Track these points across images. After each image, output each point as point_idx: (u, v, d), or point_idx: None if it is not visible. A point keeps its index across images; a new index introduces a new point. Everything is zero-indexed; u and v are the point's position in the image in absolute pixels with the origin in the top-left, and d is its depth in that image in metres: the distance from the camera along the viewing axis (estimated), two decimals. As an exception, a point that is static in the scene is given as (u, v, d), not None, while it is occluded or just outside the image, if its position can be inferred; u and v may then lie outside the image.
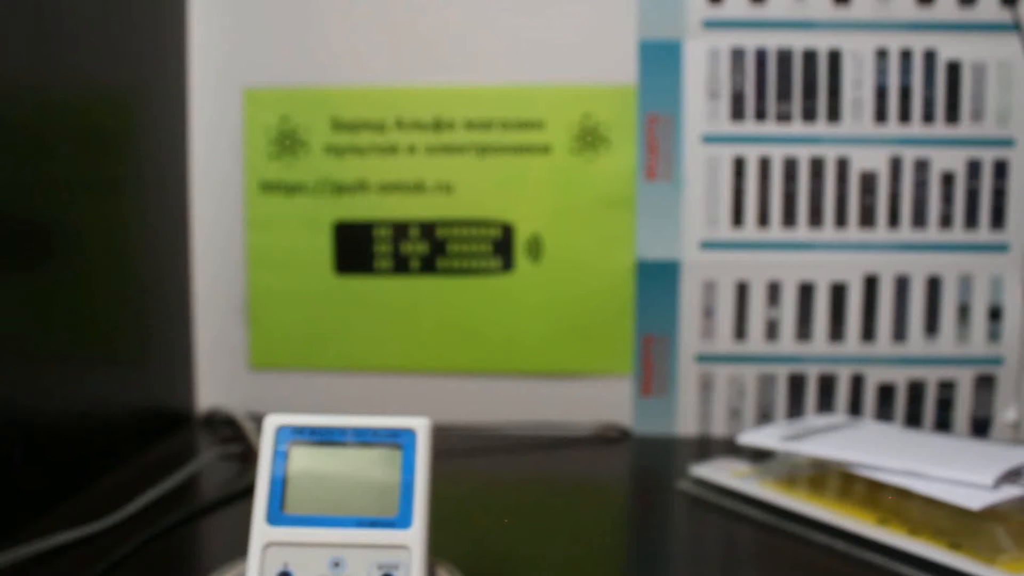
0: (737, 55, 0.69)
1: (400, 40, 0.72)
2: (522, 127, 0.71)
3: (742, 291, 0.71)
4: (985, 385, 0.70)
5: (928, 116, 0.69)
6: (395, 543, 0.37)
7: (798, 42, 0.69)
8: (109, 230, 0.61)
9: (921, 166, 0.69)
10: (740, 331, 0.71)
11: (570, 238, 0.72)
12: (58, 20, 0.54)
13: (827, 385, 0.71)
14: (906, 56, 0.69)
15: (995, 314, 0.70)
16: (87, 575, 0.44)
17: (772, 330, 0.71)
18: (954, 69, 0.68)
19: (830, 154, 0.70)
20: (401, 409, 0.72)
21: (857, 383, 0.71)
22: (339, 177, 0.72)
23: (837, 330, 0.71)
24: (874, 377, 0.71)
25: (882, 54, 0.69)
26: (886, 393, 0.71)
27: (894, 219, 0.70)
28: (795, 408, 0.71)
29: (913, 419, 0.71)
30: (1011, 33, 0.68)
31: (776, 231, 0.70)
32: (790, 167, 0.70)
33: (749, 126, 0.70)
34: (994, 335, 0.70)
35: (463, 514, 0.53)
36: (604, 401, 0.73)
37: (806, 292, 0.71)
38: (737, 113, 0.70)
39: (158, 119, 0.69)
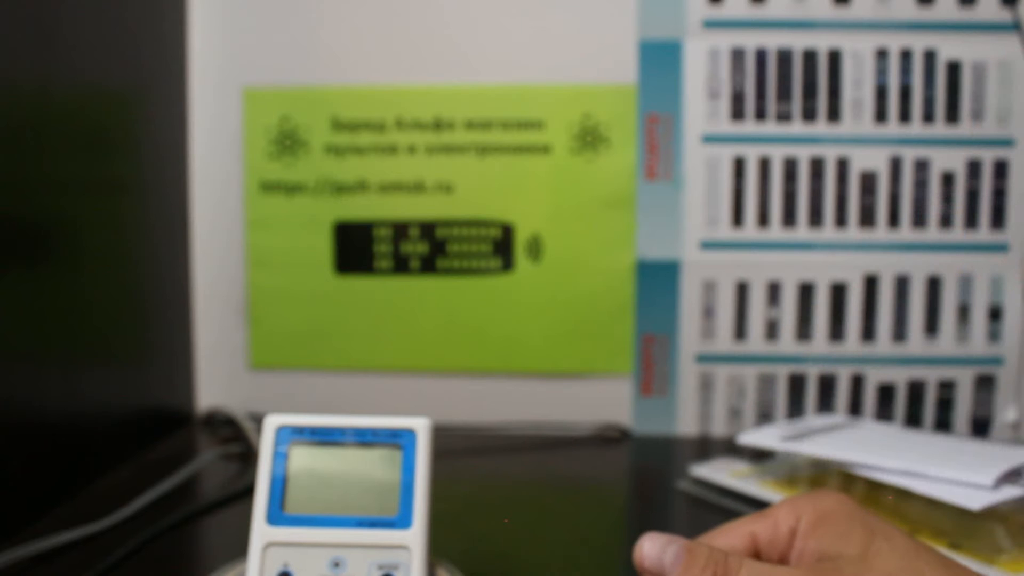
0: (737, 55, 0.69)
1: (400, 40, 0.72)
2: (522, 127, 0.71)
3: (742, 291, 0.71)
4: (985, 385, 0.70)
5: (928, 116, 0.69)
6: (395, 543, 0.37)
7: (798, 42, 0.69)
8: (109, 230, 0.61)
9: (921, 166, 0.69)
10: (740, 331, 0.71)
11: (570, 238, 0.72)
12: (58, 20, 0.54)
13: (827, 385, 0.71)
14: (906, 56, 0.69)
15: (995, 314, 0.70)
16: (87, 575, 0.44)
17: (772, 330, 0.71)
18: (954, 69, 0.68)
19: (830, 154, 0.70)
20: (401, 409, 0.72)
21: (857, 383, 0.71)
22: (339, 177, 0.72)
23: (837, 330, 0.71)
24: (874, 377, 0.71)
25: (882, 54, 0.69)
26: (886, 393, 0.71)
27: (894, 219, 0.70)
28: (795, 408, 0.71)
29: (913, 419, 0.71)
30: (1011, 33, 0.68)
31: (776, 231, 0.70)
32: (790, 167, 0.70)
33: (749, 126, 0.70)
34: (994, 335, 0.70)
35: (463, 514, 0.53)
36: (604, 401, 0.73)
37: (806, 292, 0.71)
38: (737, 113, 0.70)
39: (158, 119, 0.69)
